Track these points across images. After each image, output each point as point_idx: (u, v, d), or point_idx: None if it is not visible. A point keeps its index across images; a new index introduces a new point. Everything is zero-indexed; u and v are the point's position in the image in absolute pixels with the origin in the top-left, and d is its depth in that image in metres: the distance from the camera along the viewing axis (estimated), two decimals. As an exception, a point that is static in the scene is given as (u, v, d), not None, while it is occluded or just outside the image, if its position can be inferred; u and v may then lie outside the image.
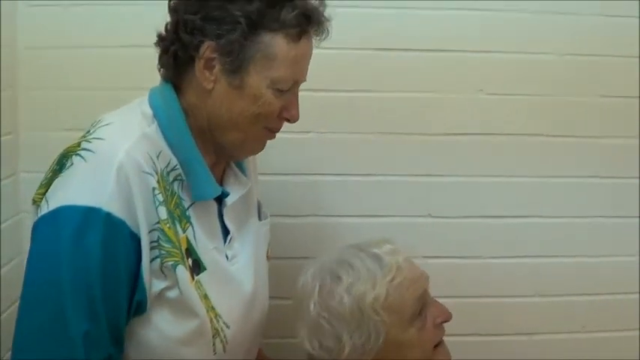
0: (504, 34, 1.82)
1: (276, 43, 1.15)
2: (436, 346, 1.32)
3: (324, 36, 1.23)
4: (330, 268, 1.33)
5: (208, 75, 1.15)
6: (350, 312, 1.26)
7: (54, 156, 1.16)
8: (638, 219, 1.92)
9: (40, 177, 1.16)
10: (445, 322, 1.34)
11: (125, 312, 1.10)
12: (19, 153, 1.75)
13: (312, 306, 1.30)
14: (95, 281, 1.05)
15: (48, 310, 1.03)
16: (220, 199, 1.28)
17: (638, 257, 1.94)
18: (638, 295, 1.95)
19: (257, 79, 1.16)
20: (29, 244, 1.10)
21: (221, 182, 1.30)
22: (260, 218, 1.43)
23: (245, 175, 1.37)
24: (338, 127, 1.81)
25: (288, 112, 1.23)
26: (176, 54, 1.17)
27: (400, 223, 1.86)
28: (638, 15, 1.85)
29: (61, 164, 1.11)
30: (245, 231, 1.35)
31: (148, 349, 1.15)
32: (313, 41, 1.23)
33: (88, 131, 1.15)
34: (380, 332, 1.25)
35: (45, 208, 1.07)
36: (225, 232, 1.29)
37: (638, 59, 1.86)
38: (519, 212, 1.89)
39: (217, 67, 1.15)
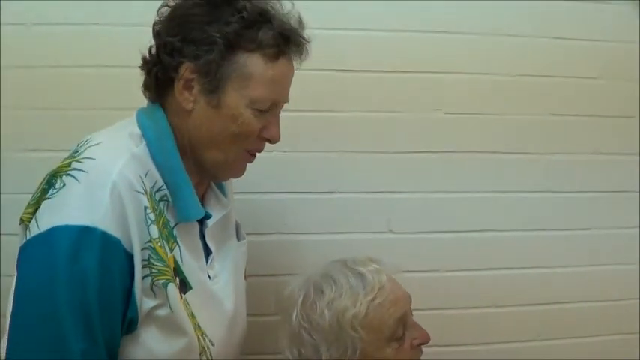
0: (461, 56, 1.91)
1: (253, 62, 1.18)
2: None
3: (303, 56, 1.28)
4: (315, 281, 1.37)
5: (187, 95, 1.19)
6: (329, 325, 1.31)
7: (35, 176, 1.19)
8: (587, 231, 2.04)
9: (21, 197, 1.19)
10: (423, 344, 1.39)
11: (120, 330, 1.13)
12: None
13: (294, 316, 1.35)
14: (92, 300, 1.06)
15: (45, 329, 1.04)
16: (202, 220, 1.31)
17: (590, 267, 2.05)
18: (591, 303, 2.06)
19: (235, 99, 1.19)
20: (16, 264, 1.11)
21: (202, 202, 1.33)
22: (238, 238, 1.47)
23: (225, 197, 1.41)
24: (301, 146, 1.86)
25: (268, 132, 1.26)
26: (157, 75, 1.21)
27: (362, 239, 1.91)
28: (588, 37, 1.97)
29: (50, 184, 1.12)
30: (225, 251, 1.38)
31: None
32: (294, 62, 1.28)
33: (77, 151, 1.17)
34: (356, 348, 1.31)
35: (35, 229, 1.08)
36: (207, 251, 1.32)
37: (587, 79, 1.98)
38: (476, 227, 1.97)
39: (196, 88, 1.19)
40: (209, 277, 1.31)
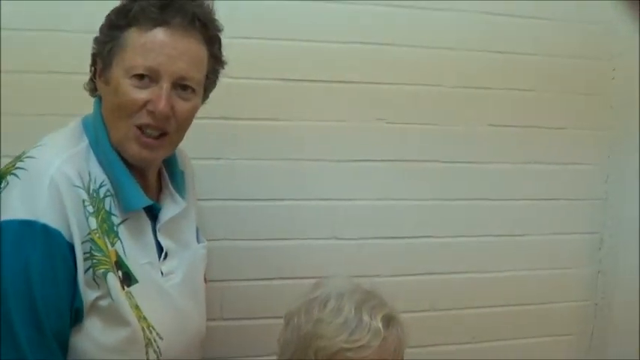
0: (403, 68, 1.99)
1: (130, 35, 1.24)
2: None
3: (195, 30, 1.27)
4: (333, 293, 1.36)
5: (99, 82, 1.30)
6: (303, 336, 1.33)
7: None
8: (523, 237, 2.16)
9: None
10: None
11: (68, 320, 1.17)
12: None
13: (299, 303, 1.38)
14: (37, 290, 1.11)
15: None
16: (155, 217, 1.35)
17: (524, 272, 2.18)
18: (525, 307, 2.20)
19: (116, 72, 1.24)
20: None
21: (157, 202, 1.37)
22: (198, 241, 1.51)
23: (183, 198, 1.43)
24: (248, 154, 1.90)
25: (152, 105, 1.23)
26: (92, 78, 1.33)
27: (307, 245, 1.98)
28: (525, 51, 2.09)
29: None
30: (182, 251, 1.41)
31: (83, 357, 1.20)
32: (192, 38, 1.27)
33: (23, 152, 1.23)
34: None
35: None
36: (160, 248, 1.35)
37: (523, 91, 2.10)
38: (417, 233, 2.06)
39: (98, 71, 1.30)
40: (162, 273, 1.34)
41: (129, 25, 1.24)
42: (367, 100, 1.98)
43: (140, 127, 1.26)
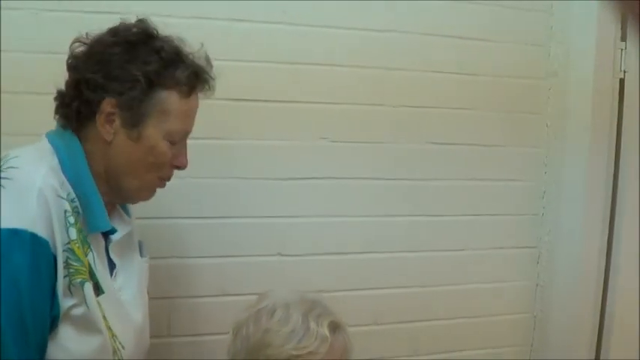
0: (346, 87, 2.07)
1: (171, 99, 1.32)
2: None
3: (210, 92, 1.43)
4: (280, 302, 1.40)
5: (109, 128, 1.31)
6: (252, 345, 1.36)
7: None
8: (463, 252, 2.26)
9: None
10: None
11: (48, 329, 1.21)
12: None
13: (247, 314, 1.42)
14: (25, 299, 1.14)
15: None
16: (106, 235, 1.40)
17: (465, 285, 2.28)
18: (465, 320, 2.29)
19: (154, 132, 1.32)
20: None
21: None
22: (142, 255, 1.57)
23: (129, 216, 1.51)
24: (193, 173, 1.85)
25: (178, 161, 1.40)
26: (79, 109, 1.31)
27: (253, 262, 2.03)
28: (464, 71, 2.20)
29: None
30: (129, 266, 1.47)
31: None
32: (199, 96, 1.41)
33: None
34: None
35: None
36: (111, 266, 1.41)
37: (463, 110, 2.21)
38: (360, 249, 2.13)
39: (117, 121, 1.30)
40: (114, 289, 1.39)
41: (171, 88, 1.33)
42: (310, 120, 2.05)
43: (161, 178, 1.41)
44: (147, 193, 1.44)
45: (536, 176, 2.32)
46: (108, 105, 1.29)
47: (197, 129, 1.85)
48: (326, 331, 1.35)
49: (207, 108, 1.85)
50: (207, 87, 1.41)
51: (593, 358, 2.30)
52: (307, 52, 2.03)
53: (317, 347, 1.33)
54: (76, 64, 1.33)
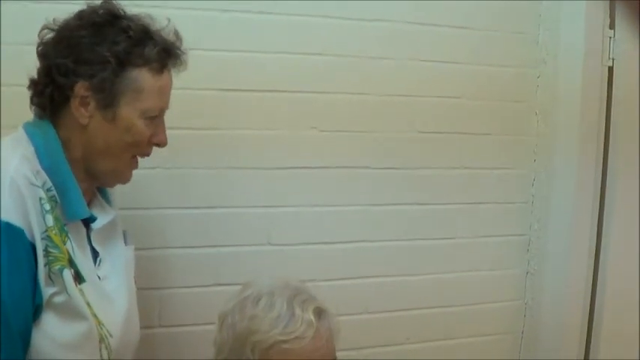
0: (336, 77, 2.08)
1: (143, 77, 1.32)
2: None
3: (182, 67, 1.43)
4: (264, 290, 1.41)
5: (84, 111, 1.30)
6: (238, 334, 1.36)
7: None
8: (452, 240, 2.28)
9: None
10: None
11: (32, 318, 1.21)
12: None
13: (232, 304, 1.43)
14: (4, 291, 1.14)
15: None
16: (88, 224, 1.40)
17: (454, 274, 2.30)
18: (454, 308, 2.31)
19: (129, 111, 1.32)
20: None
21: (88, 208, 1.41)
22: (126, 243, 1.57)
23: (110, 205, 1.51)
24: (183, 163, 1.96)
25: (157, 138, 1.40)
26: (52, 96, 1.31)
27: (242, 251, 2.04)
28: (452, 60, 2.21)
29: None
30: (114, 255, 1.47)
31: (36, 355, 1.23)
32: (172, 72, 1.41)
33: None
34: None
35: None
36: (95, 255, 1.41)
37: (451, 99, 2.22)
38: (349, 238, 2.15)
39: (92, 104, 1.30)
40: (99, 278, 1.39)
41: (141, 66, 1.32)
42: (300, 109, 2.06)
43: (134, 156, 1.41)
44: (123, 174, 1.44)
45: (525, 164, 2.34)
46: (81, 88, 1.29)
47: (184, 119, 1.90)
48: (311, 316, 1.36)
49: (194, 98, 1.92)
50: (178, 62, 1.41)
51: (584, 344, 2.32)
52: (295, 42, 2.04)
53: (303, 332, 1.34)
54: (45, 50, 1.33)
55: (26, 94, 1.38)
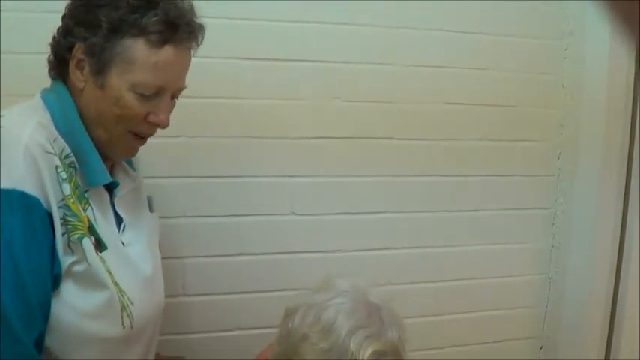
0: (359, 47, 2.07)
1: (137, 48, 1.24)
2: None
3: (197, 43, 1.34)
4: (332, 305, 1.26)
5: (79, 75, 1.27)
6: (289, 344, 1.27)
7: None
8: (478, 212, 2.27)
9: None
10: None
11: (51, 288, 1.19)
12: None
13: (297, 301, 1.32)
14: (21, 260, 1.12)
15: None
16: (111, 190, 1.38)
17: (480, 246, 2.29)
18: (480, 280, 2.31)
19: (117, 81, 1.25)
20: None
21: (111, 174, 1.38)
22: (151, 210, 1.56)
23: (134, 170, 1.49)
24: (206, 132, 1.96)
25: (155, 117, 1.31)
26: (56, 55, 1.30)
27: (266, 221, 2.05)
28: (478, 31, 2.18)
29: None
30: (138, 221, 1.46)
31: (57, 325, 1.21)
32: (188, 49, 1.32)
33: None
34: None
35: None
36: (118, 221, 1.39)
37: (477, 70, 2.19)
38: (373, 209, 2.14)
39: (86, 68, 1.26)
40: (123, 244, 1.37)
41: (136, 36, 1.25)
42: (324, 79, 2.05)
43: (135, 133, 1.33)
44: (121, 148, 1.36)
45: (552, 137, 2.32)
46: (77, 51, 1.26)
47: (208, 88, 1.91)
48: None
49: (217, 66, 1.92)
50: (189, 37, 1.31)
51: (609, 318, 2.30)
52: (320, 11, 2.02)
53: None
54: (65, 12, 1.31)
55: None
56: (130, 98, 1.27)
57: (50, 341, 1.23)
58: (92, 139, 1.31)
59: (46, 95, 1.31)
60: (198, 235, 2.01)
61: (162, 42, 1.26)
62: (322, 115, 2.06)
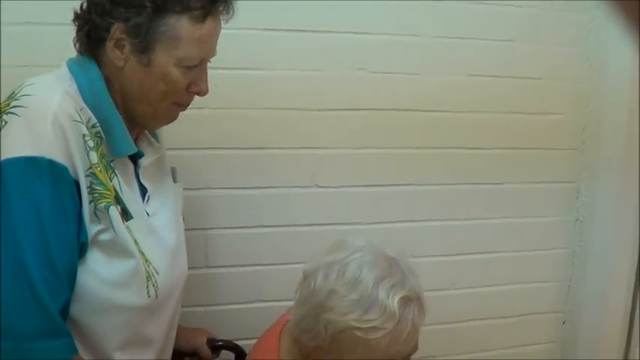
0: (383, 18, 2.04)
1: (181, 24, 1.25)
2: None
3: (231, 14, 1.35)
4: (353, 260, 1.30)
5: (119, 54, 1.26)
6: (317, 303, 1.28)
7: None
8: (502, 185, 2.25)
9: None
10: None
11: (77, 256, 1.20)
12: None
13: (315, 263, 1.34)
14: (48, 228, 1.13)
15: (9, 262, 1.11)
16: (135, 160, 1.39)
17: (500, 219, 2.27)
18: (503, 254, 2.30)
19: (164, 59, 1.26)
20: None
21: (135, 144, 1.38)
22: (175, 181, 1.57)
23: (158, 142, 1.49)
24: (230, 103, 1.94)
25: (196, 87, 1.34)
26: (89, 33, 1.28)
27: (289, 193, 2.04)
28: (503, 2, 2.13)
29: None
30: (163, 192, 1.47)
31: (83, 294, 1.23)
32: (221, 19, 1.34)
33: (13, 92, 1.23)
34: (316, 341, 1.29)
35: None
36: (142, 191, 1.40)
37: (502, 42, 2.16)
38: (396, 181, 2.13)
39: (127, 47, 1.25)
40: (147, 214, 1.38)
41: (180, 13, 1.25)
42: (348, 50, 2.02)
43: (178, 104, 1.36)
44: (163, 120, 1.41)
45: (577, 110, 2.29)
46: (117, 30, 1.24)
47: (231, 59, 1.88)
48: (395, 307, 1.24)
49: (240, 38, 1.90)
50: (226, 9, 1.33)
51: (632, 292, 2.29)
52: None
53: (382, 323, 1.23)
54: None
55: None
56: (175, 73, 1.29)
57: (75, 310, 1.24)
58: (135, 115, 1.34)
59: (72, 66, 1.30)
60: (220, 206, 2.01)
61: (204, 16, 1.27)
62: (346, 86, 2.04)
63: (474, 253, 2.25)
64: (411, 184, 2.14)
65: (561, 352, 2.45)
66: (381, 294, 1.24)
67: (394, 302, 1.23)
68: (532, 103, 2.23)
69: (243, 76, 1.95)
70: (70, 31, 1.31)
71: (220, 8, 1.31)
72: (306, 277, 1.34)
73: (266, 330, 1.53)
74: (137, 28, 1.24)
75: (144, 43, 1.25)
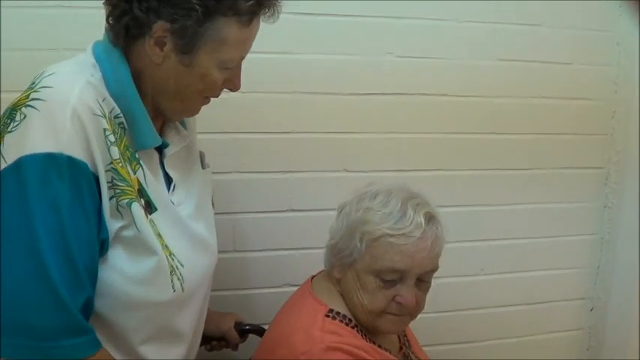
0: (412, 3, 2.02)
1: (228, 28, 1.23)
2: (384, 313, 1.46)
3: (276, 18, 1.32)
4: (384, 189, 1.51)
5: (158, 51, 1.23)
6: (352, 221, 1.48)
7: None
8: (529, 171, 2.24)
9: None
10: (402, 305, 1.44)
11: (97, 253, 1.18)
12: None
13: (349, 197, 1.55)
14: (67, 225, 1.11)
15: (26, 260, 1.08)
16: (160, 149, 1.37)
17: (532, 205, 2.25)
18: (532, 240, 2.28)
19: (207, 60, 1.25)
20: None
21: (161, 134, 1.37)
22: (203, 167, 1.54)
23: (185, 128, 1.47)
24: (258, 87, 1.93)
25: (231, 84, 1.35)
26: (128, 26, 1.22)
27: (318, 177, 2.04)
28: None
29: (11, 117, 1.14)
30: (190, 180, 1.45)
31: (107, 290, 1.21)
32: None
33: (33, 82, 1.19)
34: (353, 255, 1.46)
35: (3, 163, 1.11)
36: (168, 180, 1.38)
37: (531, 26, 2.14)
38: (426, 166, 2.12)
39: (168, 46, 1.22)
40: (173, 203, 1.36)
41: (229, 17, 1.22)
42: (377, 34, 2.02)
43: (208, 98, 1.37)
44: (189, 113, 1.41)
45: (606, 95, 2.27)
46: (159, 29, 1.21)
47: (260, 43, 1.80)
48: (421, 219, 1.44)
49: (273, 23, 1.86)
50: (272, 12, 1.30)
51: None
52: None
53: (411, 231, 1.42)
54: None
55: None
56: (216, 74, 1.28)
57: (100, 306, 1.23)
58: (164, 108, 1.33)
59: (100, 54, 1.26)
60: (248, 190, 2.01)
61: (250, 19, 1.26)
62: (375, 70, 2.03)
63: (501, 239, 2.25)
64: (439, 169, 2.14)
65: (589, 339, 2.44)
66: (409, 209, 1.45)
67: (420, 216, 1.44)
68: (561, 88, 2.21)
69: (272, 60, 1.94)
70: (102, 15, 1.28)
71: (267, 11, 1.29)
72: (341, 209, 1.55)
73: (290, 298, 1.67)
74: (184, 30, 1.21)
75: (189, 45, 1.23)
